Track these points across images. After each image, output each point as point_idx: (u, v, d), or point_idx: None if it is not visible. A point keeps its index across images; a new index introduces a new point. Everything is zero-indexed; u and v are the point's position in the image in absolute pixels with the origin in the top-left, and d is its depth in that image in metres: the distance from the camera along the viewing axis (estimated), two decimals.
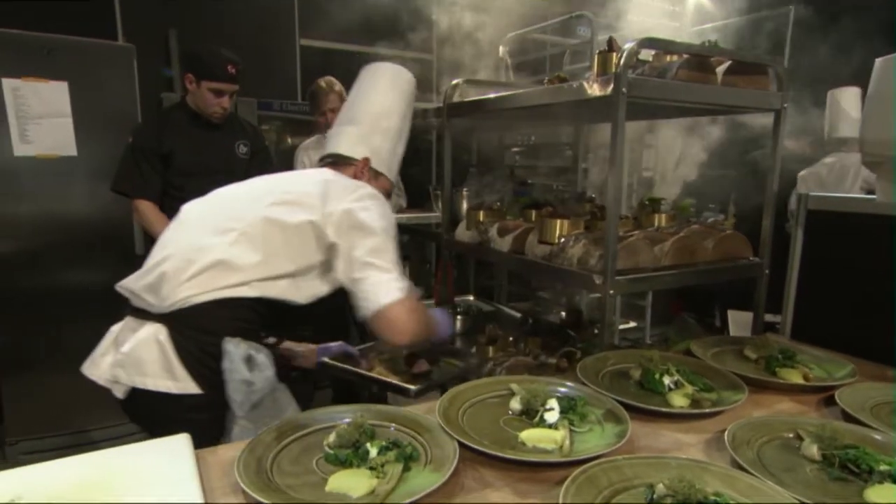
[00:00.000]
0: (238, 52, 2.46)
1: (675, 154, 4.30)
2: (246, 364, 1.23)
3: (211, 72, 2.30)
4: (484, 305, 3.16)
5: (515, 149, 3.40)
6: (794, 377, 1.31)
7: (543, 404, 1.11)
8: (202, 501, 0.80)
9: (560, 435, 1.01)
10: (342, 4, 4.53)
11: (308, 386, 3.76)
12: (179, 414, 1.23)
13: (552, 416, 1.07)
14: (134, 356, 1.26)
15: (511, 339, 2.21)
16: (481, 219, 2.02)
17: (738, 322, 2.53)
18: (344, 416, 1.07)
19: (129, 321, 1.35)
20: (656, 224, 1.85)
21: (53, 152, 2.83)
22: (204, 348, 1.25)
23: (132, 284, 1.34)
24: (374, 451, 0.93)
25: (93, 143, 2.88)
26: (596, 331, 2.89)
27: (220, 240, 1.30)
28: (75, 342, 2.98)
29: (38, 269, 2.91)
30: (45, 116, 2.77)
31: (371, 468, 0.90)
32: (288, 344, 1.67)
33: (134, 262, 3.03)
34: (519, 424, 1.09)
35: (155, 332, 1.27)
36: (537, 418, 1.09)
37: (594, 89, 1.43)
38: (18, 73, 2.71)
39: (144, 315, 1.31)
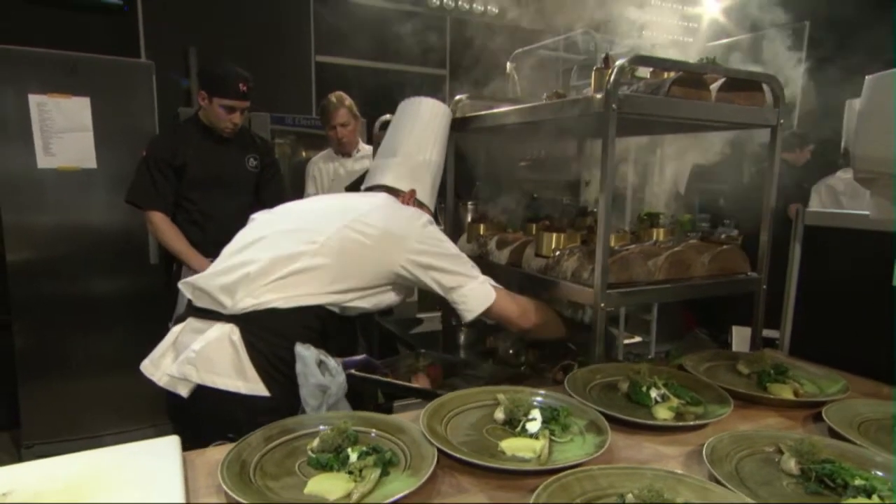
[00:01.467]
0: (254, 69, 2.54)
1: (686, 168, 4.28)
2: (319, 368, 1.27)
3: (222, 89, 2.39)
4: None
5: (523, 163, 3.42)
6: (784, 392, 1.30)
7: (526, 414, 1.13)
8: (183, 500, 0.83)
9: (539, 444, 1.02)
10: (357, 23, 4.65)
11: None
12: (246, 415, 1.22)
13: (534, 426, 1.09)
14: (205, 355, 1.29)
15: (511, 351, 2.23)
16: (482, 232, 2.05)
17: (742, 337, 2.50)
18: (331, 422, 1.10)
19: (192, 322, 1.38)
20: (654, 238, 1.86)
21: (75, 164, 2.95)
22: (275, 351, 1.29)
23: (206, 283, 1.37)
24: (354, 456, 0.96)
25: (112, 156, 3.00)
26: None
27: (304, 249, 1.37)
28: (92, 349, 3.12)
29: (56, 277, 3.01)
30: (67, 130, 2.89)
31: (349, 472, 0.93)
32: None
33: (149, 271, 3.15)
34: (502, 433, 1.11)
35: (228, 332, 1.30)
36: (519, 428, 1.10)
37: (585, 105, 1.45)
38: (44, 90, 2.84)
39: (212, 315, 1.35)
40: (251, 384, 1.28)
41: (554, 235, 1.71)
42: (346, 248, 1.40)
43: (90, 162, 2.96)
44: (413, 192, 1.72)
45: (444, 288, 1.49)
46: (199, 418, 1.34)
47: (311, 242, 1.38)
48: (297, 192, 3.26)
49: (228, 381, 1.27)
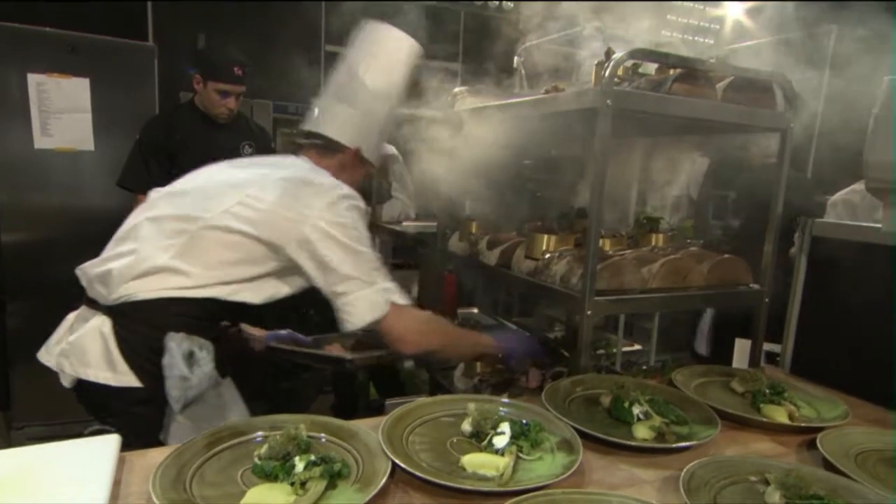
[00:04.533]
0: (263, 57, 2.49)
1: (700, 172, 4.14)
2: (186, 361, 1.21)
3: (217, 73, 2.34)
4: (486, 319, 3.10)
5: (528, 161, 3.34)
6: (779, 415, 1.21)
7: (495, 427, 1.05)
8: None
9: (503, 462, 0.95)
10: (369, 14, 4.58)
11: (309, 389, 3.76)
12: (121, 406, 1.22)
13: (501, 441, 1.02)
14: (78, 346, 1.25)
15: (500, 355, 2.15)
16: (473, 230, 1.97)
17: (743, 350, 2.40)
18: (286, 425, 1.04)
19: (83, 310, 1.33)
20: (653, 244, 1.77)
21: (72, 146, 2.91)
22: (147, 343, 1.23)
23: (89, 271, 1.32)
24: (300, 466, 0.89)
25: (110, 139, 2.96)
26: (600, 350, 2.79)
27: (170, 242, 1.27)
28: None
29: (52, 259, 2.98)
30: (65, 111, 2.86)
31: (293, 483, 0.86)
32: (244, 327, 1.64)
33: None
34: (467, 447, 1.04)
35: (100, 325, 1.25)
36: (486, 442, 1.03)
37: (580, 99, 1.37)
38: (43, 69, 2.81)
39: (95, 305, 1.29)
40: (120, 376, 1.22)
41: (545, 237, 1.63)
42: (218, 238, 1.26)
43: (88, 144, 2.92)
44: (357, 150, 1.49)
45: (331, 291, 1.29)
46: (88, 406, 1.33)
47: (181, 233, 1.27)
48: None
49: (99, 373, 1.23)
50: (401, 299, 1.34)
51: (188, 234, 1.27)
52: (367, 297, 1.29)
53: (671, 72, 1.56)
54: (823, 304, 1.58)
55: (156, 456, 0.96)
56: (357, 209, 1.36)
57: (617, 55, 1.31)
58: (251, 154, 2.60)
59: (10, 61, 2.76)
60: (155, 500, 0.78)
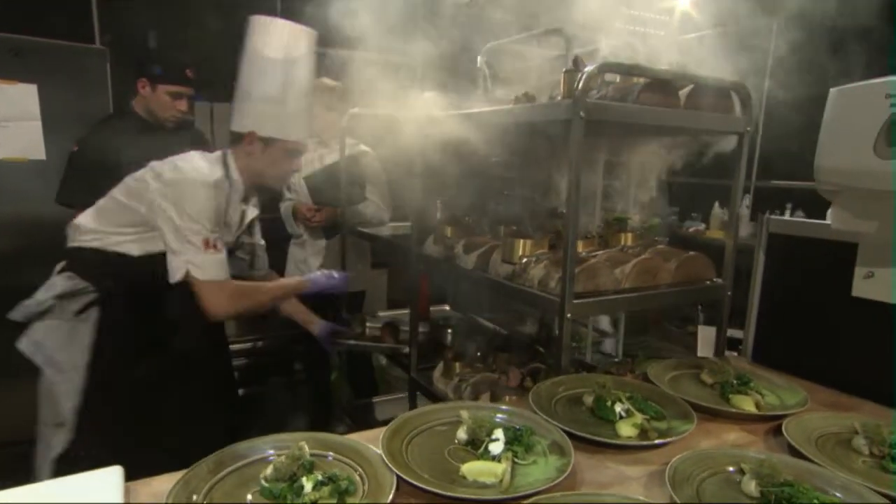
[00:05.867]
0: (218, 55, 2.42)
1: (656, 164, 4.29)
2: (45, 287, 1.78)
3: (168, 75, 2.27)
4: (458, 316, 3.15)
5: (495, 159, 3.38)
6: (747, 405, 1.31)
7: (489, 434, 1.10)
8: None
9: (501, 468, 1.00)
10: (323, 10, 4.50)
11: (280, 393, 3.74)
12: None
13: (496, 448, 1.06)
14: None
15: (479, 353, 2.21)
16: (449, 234, 2.01)
17: (707, 338, 2.54)
18: (287, 445, 1.06)
19: None
20: (622, 243, 1.84)
21: (21, 155, 2.78)
22: None
23: None
24: (308, 486, 0.92)
25: (63, 147, 2.82)
26: (573, 344, 2.88)
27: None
28: None
29: (3, 274, 2.85)
30: (12, 119, 2.73)
31: None
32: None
33: None
34: (465, 455, 1.08)
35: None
36: (482, 449, 1.08)
37: (552, 111, 1.42)
38: None
39: None
40: None
41: (521, 242, 1.68)
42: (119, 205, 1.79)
43: (38, 153, 2.80)
44: (252, 134, 1.75)
45: (168, 246, 1.67)
46: None
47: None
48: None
49: None
50: (202, 274, 1.64)
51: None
52: (171, 262, 1.66)
53: (635, 79, 1.64)
54: (781, 296, 1.69)
55: (159, 484, 0.97)
56: (194, 186, 1.65)
57: (588, 69, 1.36)
58: None
59: None
60: None
